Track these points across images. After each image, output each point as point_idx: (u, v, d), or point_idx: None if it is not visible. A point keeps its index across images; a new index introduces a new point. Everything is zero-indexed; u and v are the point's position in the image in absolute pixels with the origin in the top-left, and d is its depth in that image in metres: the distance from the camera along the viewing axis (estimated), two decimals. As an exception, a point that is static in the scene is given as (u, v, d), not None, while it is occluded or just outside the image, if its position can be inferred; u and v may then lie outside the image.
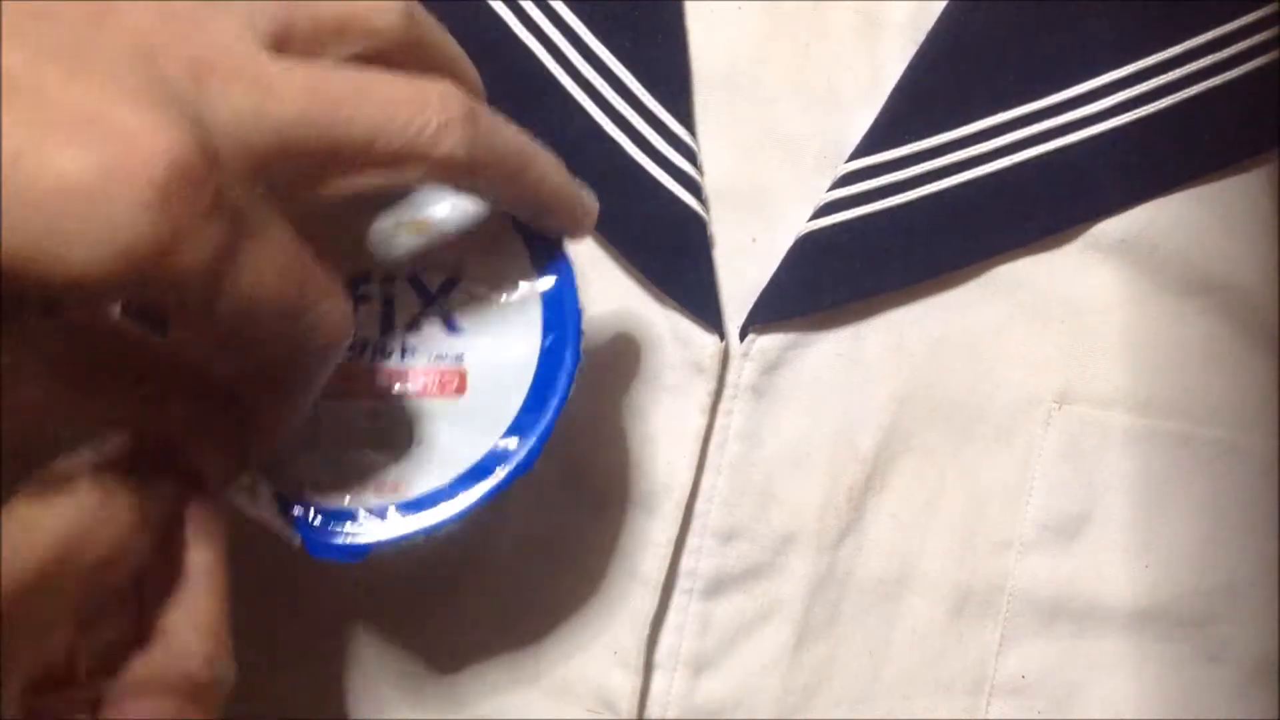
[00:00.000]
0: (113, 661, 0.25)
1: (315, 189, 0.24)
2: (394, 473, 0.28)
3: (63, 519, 0.23)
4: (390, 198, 0.29)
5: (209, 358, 0.25)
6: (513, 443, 0.28)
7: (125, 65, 0.21)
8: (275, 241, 0.22)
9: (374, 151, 0.23)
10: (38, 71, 0.20)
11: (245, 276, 0.22)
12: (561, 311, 0.29)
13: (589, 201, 0.29)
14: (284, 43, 0.23)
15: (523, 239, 0.29)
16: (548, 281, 0.29)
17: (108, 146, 0.20)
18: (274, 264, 0.22)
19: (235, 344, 0.23)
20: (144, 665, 0.25)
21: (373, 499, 0.28)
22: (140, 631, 0.26)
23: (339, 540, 0.28)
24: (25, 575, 0.22)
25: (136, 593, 0.25)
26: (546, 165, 0.27)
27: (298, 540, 0.28)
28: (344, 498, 0.28)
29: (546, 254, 0.29)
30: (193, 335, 0.23)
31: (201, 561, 0.26)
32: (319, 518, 0.28)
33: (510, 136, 0.26)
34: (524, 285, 0.29)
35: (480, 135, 0.25)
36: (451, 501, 0.28)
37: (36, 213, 0.19)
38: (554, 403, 0.28)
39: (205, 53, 0.22)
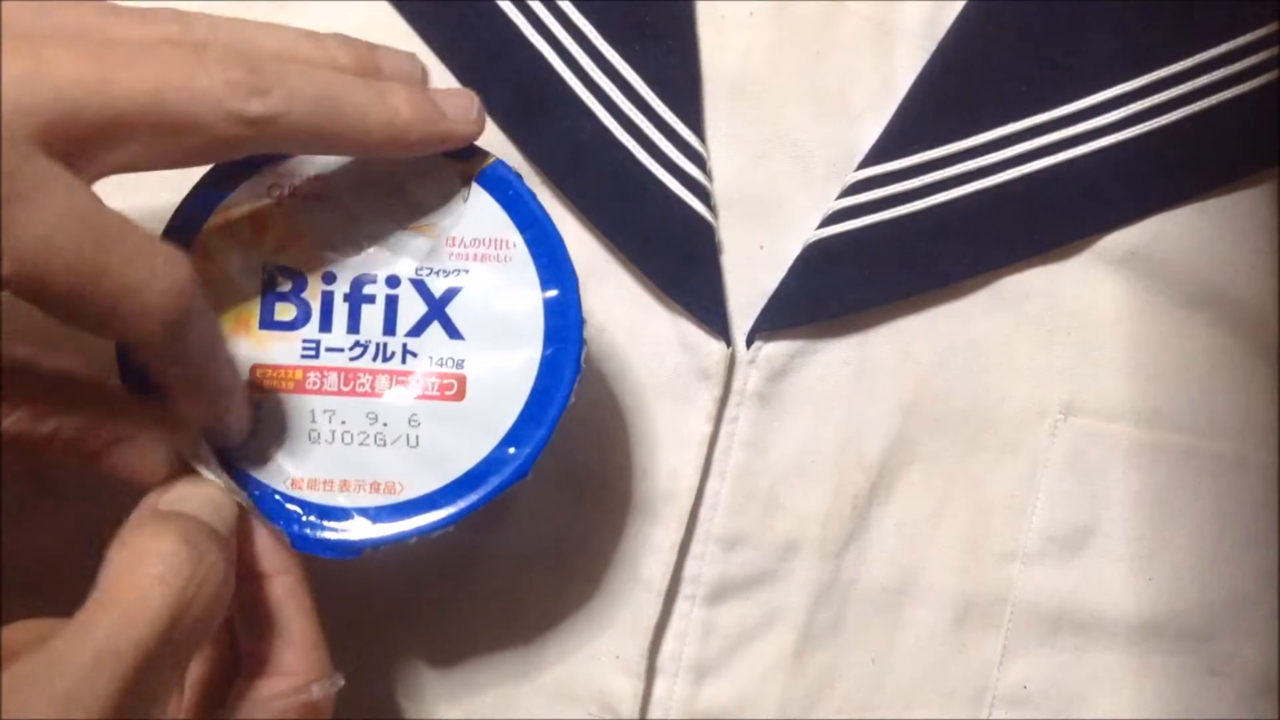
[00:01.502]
0: (218, 692, 0.27)
1: (117, 157, 0.24)
2: (390, 473, 0.28)
3: (176, 572, 0.24)
4: (399, 201, 0.29)
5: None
6: (509, 451, 0.28)
7: None
8: (58, 201, 0.22)
9: (162, 114, 0.23)
10: None
11: (24, 235, 0.21)
12: (564, 323, 0.29)
13: (455, 106, 0.28)
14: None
15: (530, 249, 0.29)
16: (552, 292, 0.29)
17: None
18: (57, 222, 0.22)
19: (59, 313, 0.23)
20: (254, 692, 0.26)
21: (368, 498, 0.28)
22: (238, 661, 0.27)
23: (332, 537, 0.28)
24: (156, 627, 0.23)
25: (226, 625, 0.27)
26: (364, 99, 0.26)
27: (283, 535, 0.28)
28: (339, 496, 0.28)
29: (553, 265, 0.29)
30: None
31: (283, 585, 0.28)
32: (313, 514, 0.28)
33: (311, 80, 0.26)
34: (528, 295, 0.29)
35: (273, 86, 0.25)
36: (445, 506, 0.28)
37: None
38: (551, 415, 0.28)
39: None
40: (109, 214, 0.23)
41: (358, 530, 0.28)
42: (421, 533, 0.28)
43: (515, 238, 0.29)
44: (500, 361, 0.29)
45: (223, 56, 0.24)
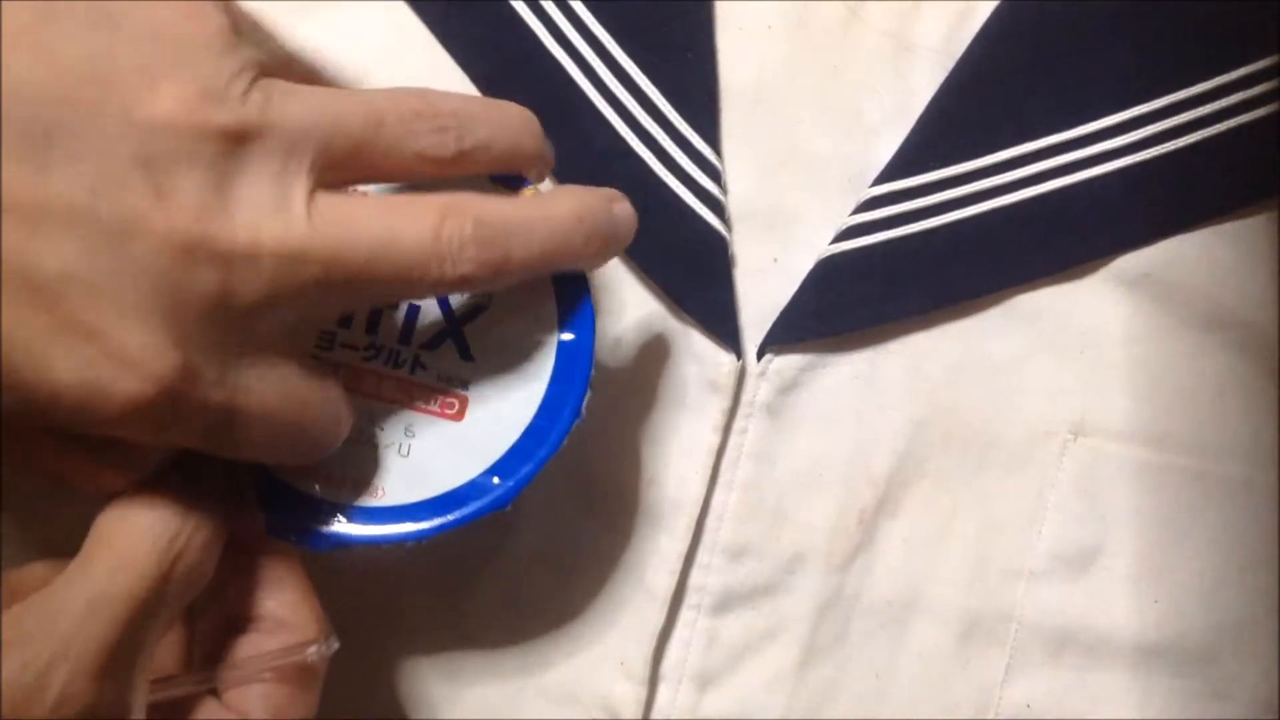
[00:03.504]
0: (214, 650, 0.28)
1: (339, 316, 0.27)
2: (375, 477, 0.29)
3: (165, 524, 0.25)
4: None
5: None
6: (494, 481, 0.28)
7: (156, 269, 0.22)
8: (266, 415, 0.25)
9: (396, 293, 0.26)
10: (65, 279, 0.22)
11: (226, 444, 0.24)
12: (574, 364, 0.29)
13: (623, 230, 0.29)
14: (333, 169, 0.25)
15: (554, 285, 0.29)
16: (568, 332, 0.29)
17: (99, 367, 0.22)
18: (262, 431, 0.25)
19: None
20: (251, 649, 0.28)
21: (348, 497, 0.28)
22: (233, 620, 0.28)
23: (305, 526, 0.28)
24: (149, 578, 0.24)
25: (220, 585, 0.27)
26: (574, 250, 0.27)
27: (260, 518, 0.28)
28: (322, 489, 0.28)
29: (574, 308, 0.29)
30: None
31: (278, 549, 0.28)
32: (290, 501, 0.28)
33: (536, 246, 0.26)
34: (545, 332, 0.29)
35: (501, 270, 0.26)
36: (420, 520, 0.28)
37: (31, 398, 0.22)
38: (542, 454, 0.29)
39: (244, 229, 0.23)
40: (310, 402, 0.26)
41: (331, 526, 0.28)
42: (391, 541, 0.28)
43: (545, 275, 0.29)
44: (504, 390, 0.29)
45: (461, 247, 0.25)
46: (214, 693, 0.27)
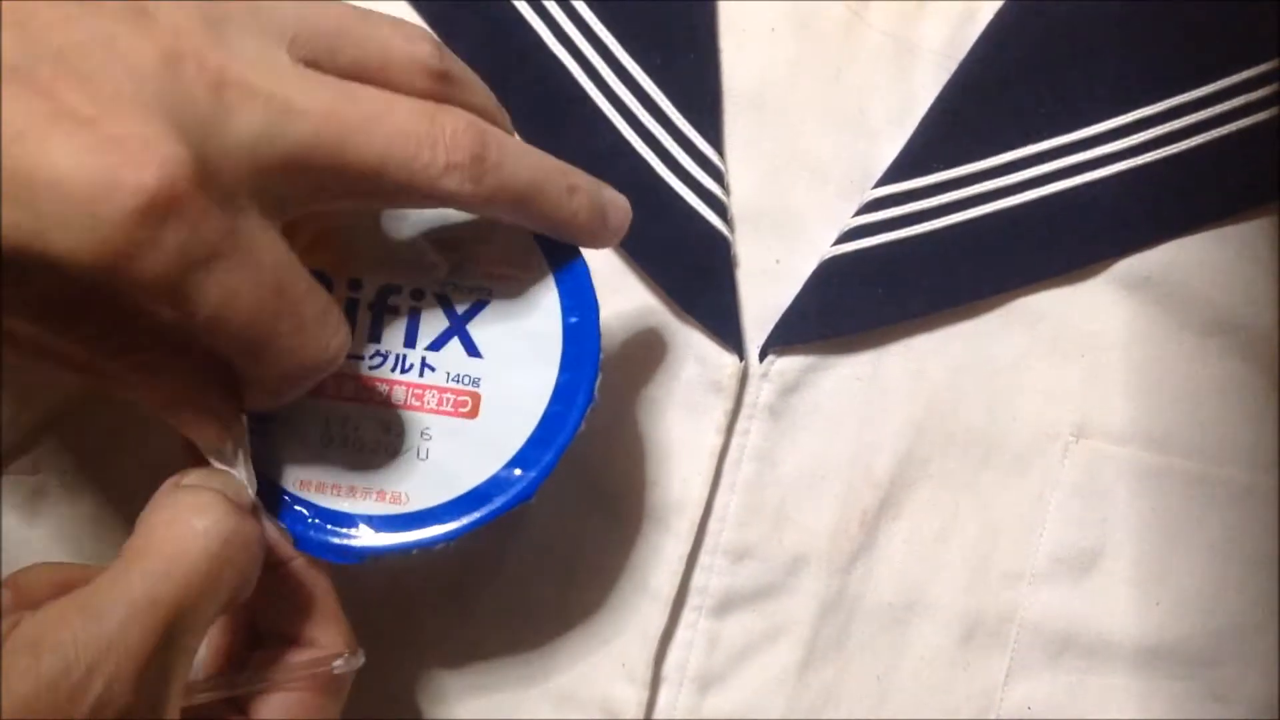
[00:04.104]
0: (232, 658, 0.28)
1: (320, 205, 0.25)
2: (397, 484, 0.29)
3: (218, 530, 0.24)
4: (432, 216, 0.29)
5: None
6: (515, 473, 0.28)
7: (148, 71, 0.21)
8: (254, 269, 0.23)
9: (380, 180, 0.24)
10: (56, 70, 0.21)
11: (211, 295, 0.22)
12: (582, 349, 0.29)
13: (615, 217, 0.29)
14: (318, 63, 0.24)
15: (554, 272, 0.29)
16: (573, 317, 0.29)
17: (104, 152, 0.20)
18: (247, 291, 0.23)
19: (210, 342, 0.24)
20: (277, 660, 0.27)
21: (373, 506, 0.28)
22: (256, 631, 0.28)
23: (335, 542, 0.28)
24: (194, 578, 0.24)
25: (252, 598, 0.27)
26: (557, 195, 0.27)
27: (288, 534, 0.28)
28: (345, 502, 0.28)
29: (576, 292, 0.29)
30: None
31: (299, 565, 0.28)
32: (318, 517, 0.28)
33: (521, 170, 0.26)
34: (550, 319, 0.29)
35: (488, 174, 0.25)
36: (447, 521, 0.28)
37: (26, 195, 0.20)
38: (561, 440, 0.29)
39: (234, 63, 0.22)
40: (298, 279, 0.24)
41: (361, 537, 0.28)
42: (422, 545, 0.28)
43: (542, 261, 0.29)
44: (515, 383, 0.29)
45: (454, 135, 0.25)
46: (231, 701, 0.27)
